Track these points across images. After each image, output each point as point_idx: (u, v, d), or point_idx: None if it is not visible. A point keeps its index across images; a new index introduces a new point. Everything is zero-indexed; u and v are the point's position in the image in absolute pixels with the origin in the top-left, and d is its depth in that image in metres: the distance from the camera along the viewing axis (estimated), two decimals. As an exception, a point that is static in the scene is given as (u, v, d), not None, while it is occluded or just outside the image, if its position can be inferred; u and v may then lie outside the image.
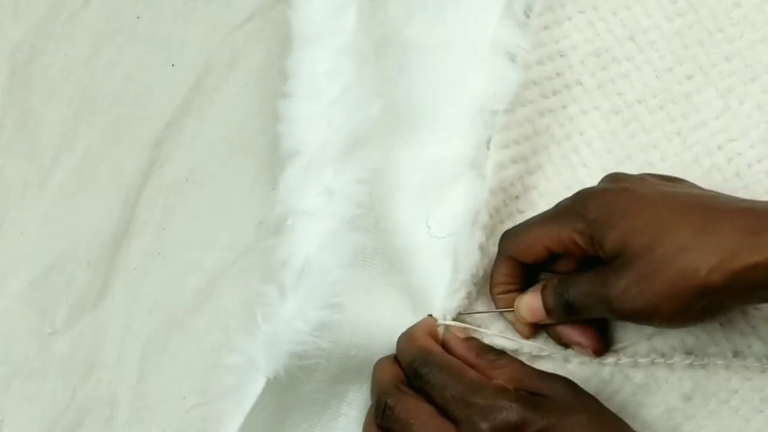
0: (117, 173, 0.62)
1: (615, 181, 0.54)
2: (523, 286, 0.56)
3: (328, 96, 0.56)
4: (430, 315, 0.57)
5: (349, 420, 0.57)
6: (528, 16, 0.61)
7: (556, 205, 0.54)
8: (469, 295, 0.57)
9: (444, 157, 0.59)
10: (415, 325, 0.56)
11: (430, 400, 0.52)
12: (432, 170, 0.59)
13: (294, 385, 0.53)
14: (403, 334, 0.56)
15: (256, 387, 0.52)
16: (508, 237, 0.56)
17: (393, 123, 0.59)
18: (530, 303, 0.54)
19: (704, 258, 0.47)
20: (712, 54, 0.60)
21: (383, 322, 0.56)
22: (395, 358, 0.55)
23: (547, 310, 0.54)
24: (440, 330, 0.57)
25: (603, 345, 0.55)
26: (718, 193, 0.53)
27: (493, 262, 0.57)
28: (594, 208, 0.51)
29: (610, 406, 0.54)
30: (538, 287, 0.54)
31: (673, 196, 0.51)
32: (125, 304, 0.60)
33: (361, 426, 0.56)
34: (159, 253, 0.61)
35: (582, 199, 0.53)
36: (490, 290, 0.56)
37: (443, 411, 0.51)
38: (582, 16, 0.61)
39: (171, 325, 0.60)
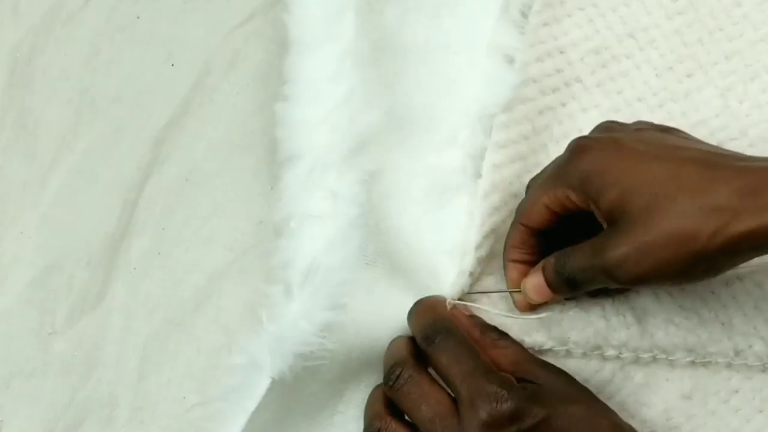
0: (117, 173, 0.62)
1: (608, 130, 0.53)
2: (541, 256, 0.55)
3: (331, 101, 0.57)
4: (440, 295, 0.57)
5: (345, 418, 0.57)
6: (525, 17, 0.61)
7: (554, 161, 0.53)
8: (473, 276, 0.57)
9: (443, 163, 0.59)
10: (432, 296, 0.56)
11: (434, 368, 0.52)
12: (432, 176, 0.59)
13: (297, 386, 0.53)
14: (419, 301, 0.55)
15: (260, 387, 0.53)
16: (519, 204, 0.55)
17: (390, 127, 0.59)
18: (535, 283, 0.53)
19: (703, 223, 0.46)
20: (712, 52, 0.60)
21: (386, 324, 0.56)
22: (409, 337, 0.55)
23: (551, 288, 0.53)
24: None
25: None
26: (713, 147, 0.52)
27: (490, 256, 0.57)
28: (586, 163, 0.50)
29: (611, 404, 0.54)
30: (539, 266, 0.54)
31: (667, 152, 0.50)
32: (125, 304, 0.60)
33: (357, 424, 0.56)
34: (159, 253, 0.61)
35: (574, 153, 0.51)
36: (504, 257, 0.56)
37: (447, 384, 0.51)
38: (582, 13, 0.61)
39: (171, 325, 0.60)
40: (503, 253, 0.56)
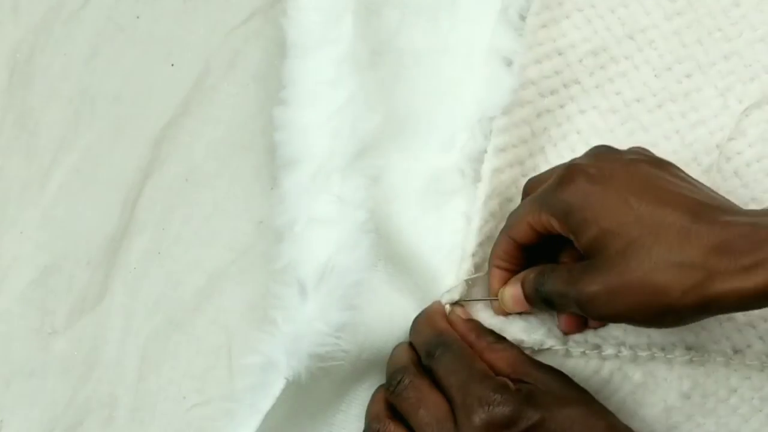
0: (117, 173, 0.62)
1: (600, 159, 0.52)
2: (523, 266, 0.55)
3: (331, 105, 0.57)
4: (438, 301, 0.57)
5: (347, 417, 0.57)
6: (524, 19, 0.61)
7: (548, 177, 0.53)
8: (469, 281, 0.57)
9: (441, 166, 0.59)
10: (431, 308, 0.57)
11: (435, 380, 0.52)
12: (430, 179, 0.59)
13: (309, 387, 0.53)
14: (420, 315, 0.56)
15: (275, 388, 0.52)
16: (511, 214, 0.55)
17: (390, 130, 0.59)
18: (513, 294, 0.54)
19: (676, 280, 0.46)
20: (711, 53, 0.60)
21: (393, 326, 0.57)
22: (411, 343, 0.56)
23: (528, 301, 0.54)
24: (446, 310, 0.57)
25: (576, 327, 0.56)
26: (702, 191, 0.51)
27: (486, 239, 0.57)
28: (571, 194, 0.50)
29: (610, 404, 0.55)
30: (519, 277, 0.54)
31: (653, 195, 0.49)
32: (125, 304, 0.60)
33: (359, 423, 0.56)
34: (159, 253, 0.61)
35: (563, 180, 0.51)
36: (489, 262, 0.56)
37: (446, 393, 0.51)
38: (580, 14, 0.61)
39: (171, 325, 0.60)
40: (489, 257, 0.57)
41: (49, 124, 0.62)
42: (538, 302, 0.53)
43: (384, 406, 0.54)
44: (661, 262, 0.47)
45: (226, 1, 0.64)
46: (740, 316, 0.56)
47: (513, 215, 0.55)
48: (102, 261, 0.61)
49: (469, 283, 0.57)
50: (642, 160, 0.52)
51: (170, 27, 0.63)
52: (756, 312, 0.56)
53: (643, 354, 0.56)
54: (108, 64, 0.63)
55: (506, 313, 0.56)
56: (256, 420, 0.52)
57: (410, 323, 0.57)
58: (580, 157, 0.54)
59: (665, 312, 0.47)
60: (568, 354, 0.56)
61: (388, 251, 0.58)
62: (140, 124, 0.62)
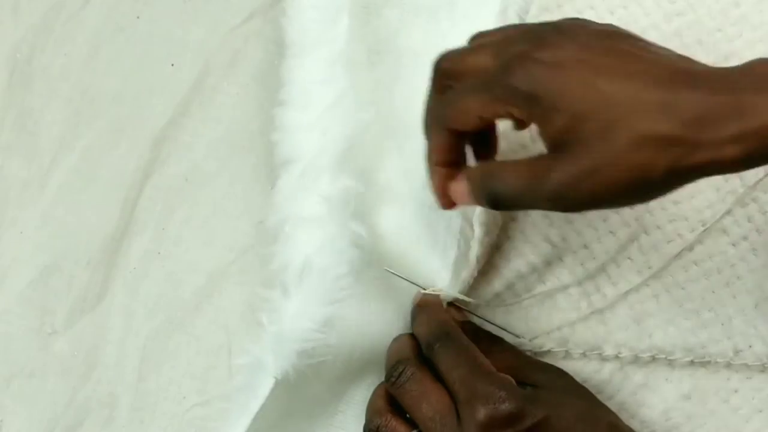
0: (117, 173, 0.62)
1: (548, 44, 0.47)
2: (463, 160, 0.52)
3: (322, 104, 0.57)
4: (438, 294, 0.57)
5: (346, 417, 0.57)
6: (524, 21, 0.60)
7: (479, 68, 0.49)
8: (468, 283, 0.57)
9: None
10: (432, 298, 0.56)
11: (436, 373, 0.52)
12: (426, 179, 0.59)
13: (300, 386, 0.53)
14: (420, 306, 0.56)
15: (264, 388, 0.53)
16: (440, 105, 0.51)
17: (388, 130, 0.59)
18: (458, 189, 0.51)
19: (660, 154, 0.44)
20: (711, 53, 0.60)
21: (387, 325, 0.56)
22: (412, 334, 0.56)
23: (475, 199, 0.50)
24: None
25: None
26: (674, 58, 0.48)
27: (489, 248, 0.57)
28: (531, 81, 0.46)
29: (610, 405, 0.54)
30: (464, 173, 0.51)
31: (623, 71, 0.46)
32: (125, 304, 0.60)
33: (358, 423, 0.56)
34: (158, 253, 0.61)
35: (511, 66, 0.47)
36: (426, 161, 0.52)
37: (448, 387, 0.51)
38: (579, 16, 0.60)
39: (171, 325, 0.60)
40: (426, 155, 0.52)
41: (49, 124, 0.63)
42: (483, 200, 0.49)
43: (385, 400, 0.53)
44: (641, 138, 0.44)
45: (226, 1, 0.64)
46: (740, 317, 0.56)
47: (449, 108, 0.50)
48: (102, 261, 0.61)
49: (468, 282, 0.57)
50: (596, 34, 0.49)
51: (170, 27, 0.63)
52: (757, 312, 0.56)
53: (644, 356, 0.56)
54: (108, 64, 0.63)
55: (452, 205, 0.52)
56: (245, 421, 0.52)
57: (404, 322, 0.57)
58: (516, 38, 0.49)
59: (648, 186, 0.45)
60: (568, 356, 0.56)
61: (383, 249, 0.58)
62: (140, 124, 0.62)
